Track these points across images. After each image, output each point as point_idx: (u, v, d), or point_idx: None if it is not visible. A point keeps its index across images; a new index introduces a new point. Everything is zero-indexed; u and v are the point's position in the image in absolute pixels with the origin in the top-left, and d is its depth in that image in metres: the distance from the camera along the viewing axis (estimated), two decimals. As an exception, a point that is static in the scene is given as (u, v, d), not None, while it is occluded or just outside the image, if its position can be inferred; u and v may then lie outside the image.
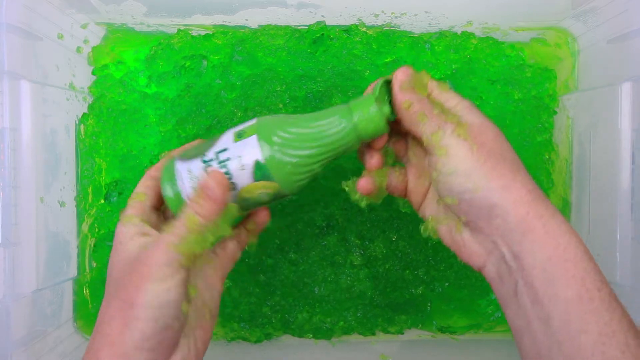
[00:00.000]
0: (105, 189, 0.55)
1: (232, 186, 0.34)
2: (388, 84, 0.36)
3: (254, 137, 0.34)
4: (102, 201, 0.55)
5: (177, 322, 0.31)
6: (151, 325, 0.30)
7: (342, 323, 0.55)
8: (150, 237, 0.33)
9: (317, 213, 0.54)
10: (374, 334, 0.56)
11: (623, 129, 0.47)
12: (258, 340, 0.55)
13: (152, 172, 0.38)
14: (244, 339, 0.55)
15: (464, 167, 0.31)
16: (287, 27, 0.55)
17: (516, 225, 0.30)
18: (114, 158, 0.55)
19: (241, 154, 0.34)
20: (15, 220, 0.44)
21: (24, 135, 0.45)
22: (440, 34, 0.56)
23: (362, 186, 0.37)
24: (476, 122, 0.33)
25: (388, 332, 0.56)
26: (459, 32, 0.56)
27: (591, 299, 0.28)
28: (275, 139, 0.34)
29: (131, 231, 0.33)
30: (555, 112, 0.56)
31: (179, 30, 0.56)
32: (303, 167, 0.34)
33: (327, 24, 0.55)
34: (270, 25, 0.55)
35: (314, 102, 0.54)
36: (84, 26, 0.54)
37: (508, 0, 0.52)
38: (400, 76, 0.35)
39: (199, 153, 0.35)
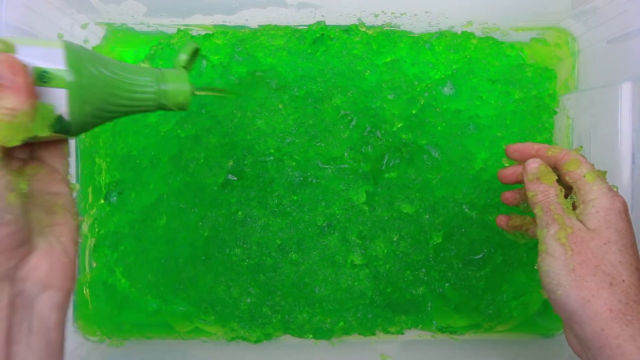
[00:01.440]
0: (105, 189, 0.56)
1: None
2: (196, 52, 0.39)
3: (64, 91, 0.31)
4: (102, 201, 0.55)
5: (9, 214, 0.27)
6: None
7: (342, 323, 0.55)
8: None
9: (318, 213, 0.54)
10: (374, 334, 0.56)
11: (623, 129, 0.47)
12: (258, 340, 0.55)
13: None
14: (244, 339, 0.55)
15: (554, 269, 0.34)
16: (287, 27, 0.55)
17: (592, 337, 0.32)
18: (114, 158, 0.55)
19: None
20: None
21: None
22: (440, 34, 0.56)
23: (499, 219, 0.45)
24: (590, 228, 0.34)
25: (388, 332, 0.56)
26: (459, 32, 0.56)
27: None
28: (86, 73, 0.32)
29: None
30: (555, 112, 0.56)
31: (178, 30, 0.56)
32: (100, 111, 0.33)
33: (327, 24, 0.55)
34: (270, 25, 0.55)
35: (314, 102, 0.54)
36: (84, 26, 0.54)
37: (508, 1, 0.52)
38: (529, 169, 0.38)
39: None
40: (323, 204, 0.54)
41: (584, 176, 0.36)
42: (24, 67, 0.28)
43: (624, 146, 0.46)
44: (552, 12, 0.54)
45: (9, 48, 0.29)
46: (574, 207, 0.36)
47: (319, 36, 0.55)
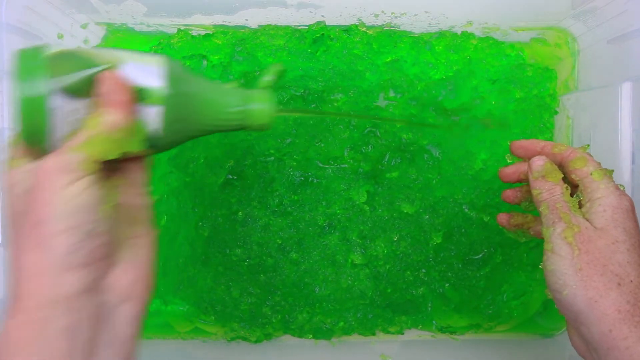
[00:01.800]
0: (105, 189, 0.55)
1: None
2: (282, 73, 0.40)
3: (161, 108, 0.32)
4: (102, 201, 0.55)
5: (101, 226, 0.28)
6: (73, 234, 0.26)
7: (342, 323, 0.55)
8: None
9: (319, 212, 0.54)
10: (374, 334, 0.56)
11: (623, 129, 0.47)
12: (258, 340, 0.55)
13: None
14: (244, 339, 0.55)
15: (560, 268, 0.33)
16: (287, 27, 0.55)
17: (600, 338, 0.31)
18: (114, 158, 0.55)
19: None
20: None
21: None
22: (441, 34, 0.56)
23: (500, 217, 0.45)
24: (597, 227, 0.33)
25: (388, 332, 0.56)
26: (459, 32, 0.56)
27: None
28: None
29: (20, 171, 0.29)
30: (556, 112, 0.56)
31: (178, 30, 0.56)
32: (189, 130, 0.34)
33: (327, 24, 0.55)
34: (270, 25, 0.55)
35: (314, 102, 0.54)
36: (84, 26, 0.54)
37: (508, 1, 0.52)
38: (534, 166, 0.37)
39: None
40: (324, 203, 0.54)
41: (591, 174, 0.35)
42: (125, 85, 0.29)
43: (624, 146, 0.46)
44: (552, 12, 0.54)
45: (113, 64, 0.30)
46: (580, 206, 0.35)
47: (319, 36, 0.55)
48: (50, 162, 0.27)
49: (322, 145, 0.53)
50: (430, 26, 0.56)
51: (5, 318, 0.27)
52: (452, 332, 0.56)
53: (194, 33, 0.56)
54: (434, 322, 0.56)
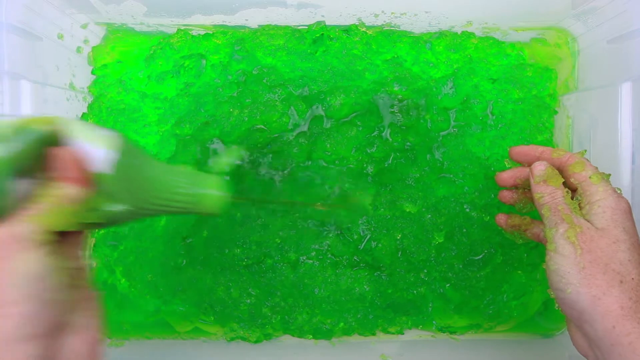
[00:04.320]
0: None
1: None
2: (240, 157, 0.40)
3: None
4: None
5: (58, 292, 0.27)
6: (28, 304, 0.25)
7: (342, 324, 0.55)
8: None
9: (319, 212, 0.54)
10: (374, 334, 0.56)
11: (623, 129, 0.47)
12: (258, 341, 0.55)
13: None
14: (244, 339, 0.55)
15: (564, 268, 0.34)
16: (287, 27, 0.55)
17: (603, 335, 0.32)
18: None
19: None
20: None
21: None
22: (441, 34, 0.56)
23: (499, 218, 0.46)
24: (598, 227, 0.34)
25: (388, 333, 0.56)
26: (459, 32, 0.56)
27: None
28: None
29: None
30: (555, 112, 0.56)
31: (178, 30, 0.56)
32: (140, 209, 0.34)
33: (327, 24, 0.55)
34: (270, 25, 0.55)
35: (314, 102, 0.54)
36: (84, 26, 0.54)
37: (508, 0, 0.52)
38: (535, 171, 0.38)
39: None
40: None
41: (590, 178, 0.36)
42: (80, 162, 0.30)
43: (624, 146, 0.46)
44: (552, 12, 0.54)
45: (60, 137, 0.30)
46: (580, 208, 0.37)
47: (318, 36, 0.55)
48: (2, 231, 0.26)
49: (328, 145, 0.53)
50: (431, 26, 0.56)
51: None
52: (452, 332, 0.56)
53: (194, 33, 0.56)
54: (434, 322, 0.56)
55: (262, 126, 0.54)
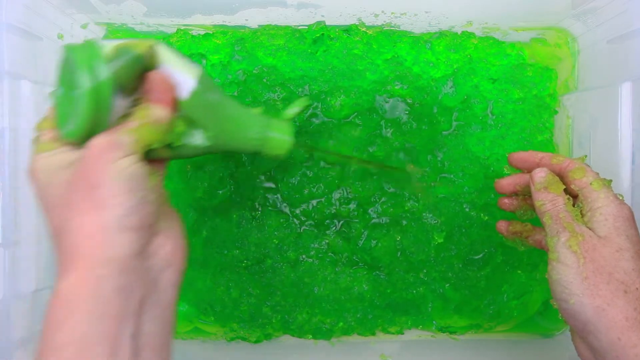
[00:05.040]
0: (105, 189, 0.55)
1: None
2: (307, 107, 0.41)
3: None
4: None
5: (150, 195, 0.30)
6: (129, 198, 0.28)
7: (342, 324, 0.55)
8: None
9: (319, 212, 0.54)
10: (374, 334, 0.56)
11: (623, 129, 0.47)
12: (258, 341, 0.55)
13: None
14: (244, 339, 0.55)
15: (566, 277, 0.33)
16: (287, 27, 0.55)
17: (608, 347, 0.31)
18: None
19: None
20: (15, 220, 0.44)
21: (24, 135, 0.45)
22: (441, 34, 0.56)
23: (499, 225, 0.46)
24: (600, 235, 0.34)
25: (388, 332, 0.56)
26: (459, 32, 0.56)
27: None
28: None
29: (53, 159, 0.31)
30: (556, 112, 0.56)
31: (178, 29, 0.56)
32: (213, 142, 0.36)
33: (327, 24, 0.55)
34: (270, 25, 0.55)
35: (314, 101, 0.54)
36: (84, 26, 0.54)
37: (508, 1, 0.52)
38: (536, 178, 0.38)
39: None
40: (325, 202, 0.54)
41: (591, 184, 0.36)
42: (171, 86, 0.33)
43: (624, 146, 0.46)
44: (552, 12, 0.54)
45: (153, 61, 0.33)
46: (581, 215, 0.36)
47: (319, 36, 0.55)
48: (101, 139, 0.29)
49: (332, 144, 0.54)
50: (431, 26, 0.56)
51: (57, 281, 0.28)
52: (452, 332, 0.56)
53: (194, 33, 0.56)
54: (434, 322, 0.56)
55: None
